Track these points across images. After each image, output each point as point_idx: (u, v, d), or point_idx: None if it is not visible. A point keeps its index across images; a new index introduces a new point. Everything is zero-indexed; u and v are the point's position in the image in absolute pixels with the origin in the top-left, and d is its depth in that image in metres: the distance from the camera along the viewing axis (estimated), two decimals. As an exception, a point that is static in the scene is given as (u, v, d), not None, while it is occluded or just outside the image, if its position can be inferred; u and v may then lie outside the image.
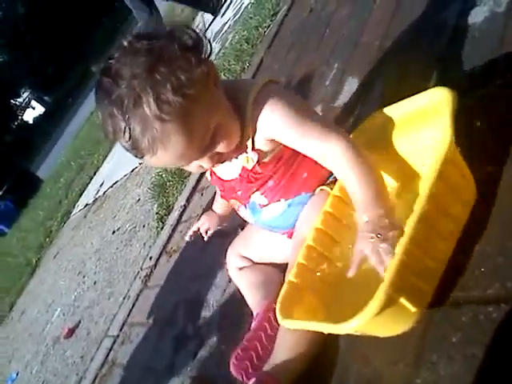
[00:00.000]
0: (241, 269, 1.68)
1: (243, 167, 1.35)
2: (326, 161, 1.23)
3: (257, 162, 1.32)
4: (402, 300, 0.97)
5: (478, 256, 1.03)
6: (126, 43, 1.14)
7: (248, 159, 1.33)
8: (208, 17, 6.06)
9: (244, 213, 1.51)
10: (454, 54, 1.52)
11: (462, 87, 1.40)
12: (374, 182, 1.14)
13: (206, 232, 1.80)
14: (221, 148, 1.24)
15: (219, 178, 1.47)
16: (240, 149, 1.31)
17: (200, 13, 6.63)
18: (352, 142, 1.20)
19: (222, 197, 1.56)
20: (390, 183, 1.30)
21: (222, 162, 1.31)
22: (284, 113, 1.22)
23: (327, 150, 1.20)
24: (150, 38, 1.15)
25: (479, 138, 1.20)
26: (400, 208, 1.21)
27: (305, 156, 1.33)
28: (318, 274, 1.29)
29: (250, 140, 1.30)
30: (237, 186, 1.42)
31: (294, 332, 1.24)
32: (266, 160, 1.34)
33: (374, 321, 0.94)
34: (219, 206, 1.78)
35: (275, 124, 1.24)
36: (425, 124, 1.19)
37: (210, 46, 1.23)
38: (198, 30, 1.21)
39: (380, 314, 0.93)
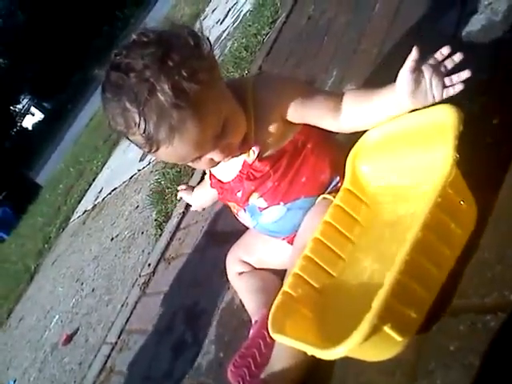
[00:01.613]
0: (240, 274, 1.67)
1: (244, 161, 1.37)
2: (337, 112, 1.28)
3: (257, 155, 1.34)
4: (388, 329, 0.95)
5: (476, 264, 1.03)
6: (135, 36, 1.14)
7: (249, 153, 1.35)
8: (208, 23, 6.08)
9: (243, 217, 1.51)
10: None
11: (459, 96, 1.41)
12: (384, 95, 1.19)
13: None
14: (231, 137, 1.25)
15: (218, 180, 1.48)
16: (245, 144, 1.33)
17: (199, 19, 6.65)
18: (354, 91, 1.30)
19: (220, 199, 1.57)
20: (389, 197, 1.29)
21: (232, 157, 1.32)
22: (288, 85, 1.31)
23: (336, 100, 1.27)
24: (156, 31, 1.16)
25: (476, 148, 1.20)
26: (396, 225, 1.21)
27: (303, 161, 1.37)
28: (316, 285, 1.28)
29: (253, 132, 1.32)
30: (236, 186, 1.42)
31: None
32: (266, 155, 1.35)
33: (360, 348, 0.93)
34: (200, 193, 1.81)
35: (283, 96, 1.29)
36: (430, 141, 1.15)
37: (210, 44, 1.23)
38: (198, 32, 1.23)
39: (366, 342, 0.92)
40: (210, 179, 1.53)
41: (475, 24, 1.53)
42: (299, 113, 1.31)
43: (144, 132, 1.12)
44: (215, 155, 1.26)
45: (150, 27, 1.20)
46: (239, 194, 1.44)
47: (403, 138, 1.22)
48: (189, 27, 1.22)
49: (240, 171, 1.39)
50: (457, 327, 0.97)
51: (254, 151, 1.34)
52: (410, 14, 1.96)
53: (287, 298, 1.24)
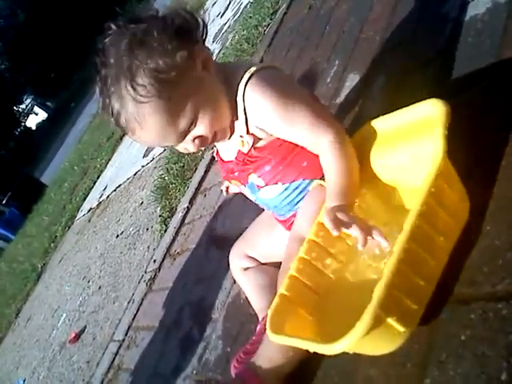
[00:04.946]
0: (246, 269, 1.65)
1: (239, 151, 1.36)
2: (314, 150, 1.27)
3: (252, 145, 1.33)
4: (390, 320, 0.94)
5: (486, 251, 1.01)
6: (114, 26, 1.20)
7: (243, 143, 1.34)
8: (209, 17, 6.05)
9: (244, 191, 1.51)
10: (456, 46, 1.50)
11: (464, 80, 1.39)
12: (349, 176, 1.20)
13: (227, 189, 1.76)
14: (201, 131, 1.26)
15: (221, 158, 1.49)
16: (230, 131, 1.33)
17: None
18: (339, 134, 1.23)
19: (223, 178, 1.56)
20: (382, 196, 1.28)
21: (210, 144, 1.34)
22: (274, 103, 1.23)
23: (315, 141, 1.24)
24: (137, 21, 1.20)
25: (479, 128, 1.19)
26: (390, 222, 1.20)
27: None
28: (312, 286, 1.25)
29: (244, 123, 1.31)
30: (234, 167, 1.43)
31: None
32: (261, 145, 1.34)
33: (363, 341, 0.92)
34: None
35: (265, 115, 1.26)
36: (420, 136, 1.15)
37: (206, 29, 1.28)
38: (196, 15, 1.26)
39: (368, 335, 0.90)
40: (216, 156, 1.53)
41: (480, 7, 1.49)
42: (279, 134, 1.30)
43: (112, 116, 1.21)
44: (187, 145, 1.30)
45: (137, 15, 1.26)
46: (237, 174, 1.45)
47: (394, 135, 1.23)
48: (183, 14, 1.24)
49: (236, 158, 1.39)
50: (468, 316, 0.95)
51: (248, 142, 1.32)
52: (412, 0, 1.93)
53: (284, 301, 1.22)
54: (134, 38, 1.16)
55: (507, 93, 1.22)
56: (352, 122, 1.80)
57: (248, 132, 1.31)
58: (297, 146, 1.33)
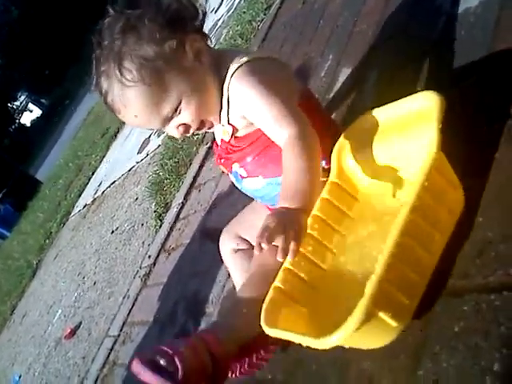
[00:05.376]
0: (236, 251, 1.63)
1: (222, 139, 1.41)
2: (277, 141, 1.26)
3: (232, 135, 1.36)
4: (383, 315, 0.94)
5: (479, 243, 1.01)
6: (112, 11, 1.24)
7: (224, 132, 1.37)
8: (207, 6, 6.03)
9: (231, 178, 1.51)
10: (449, 39, 1.50)
11: (458, 73, 1.39)
12: (307, 176, 1.17)
13: None
14: (185, 119, 1.29)
15: (216, 142, 1.51)
16: (216, 120, 1.36)
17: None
18: (303, 129, 1.21)
19: (215, 159, 1.58)
20: (376, 189, 1.28)
21: (193, 133, 1.36)
22: (257, 90, 1.24)
23: (278, 130, 1.23)
24: (134, 6, 1.23)
25: (473, 121, 1.19)
26: (385, 216, 1.20)
27: None
28: (307, 279, 1.25)
29: (226, 113, 1.33)
30: (221, 153, 1.46)
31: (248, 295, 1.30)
32: (240, 135, 1.37)
33: (356, 335, 0.92)
34: None
35: (245, 102, 1.28)
36: (414, 129, 1.16)
37: (203, 19, 1.31)
38: (197, 4, 1.29)
39: (361, 329, 0.90)
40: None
41: (472, 0, 1.49)
42: (251, 117, 1.30)
43: (101, 95, 1.26)
44: (171, 131, 1.33)
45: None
46: (222, 161, 1.47)
47: (388, 128, 1.23)
48: (182, 1, 1.26)
49: (220, 146, 1.44)
50: (461, 308, 0.95)
51: (228, 132, 1.36)
52: (405, -6, 1.93)
53: (278, 293, 1.22)
54: (128, 23, 1.20)
55: (500, 85, 1.22)
56: (346, 116, 1.80)
57: (229, 122, 1.34)
58: None
